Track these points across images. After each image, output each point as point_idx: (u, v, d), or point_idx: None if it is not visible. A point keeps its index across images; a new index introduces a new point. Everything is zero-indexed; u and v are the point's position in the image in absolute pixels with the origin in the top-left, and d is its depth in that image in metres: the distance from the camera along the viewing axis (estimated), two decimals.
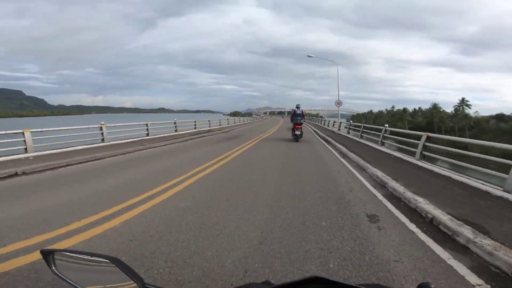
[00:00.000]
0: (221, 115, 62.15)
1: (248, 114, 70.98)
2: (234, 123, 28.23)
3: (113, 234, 2.65)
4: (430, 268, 2.16)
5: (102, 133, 9.53)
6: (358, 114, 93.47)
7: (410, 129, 37.61)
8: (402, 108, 64.38)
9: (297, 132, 12.29)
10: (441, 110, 55.06)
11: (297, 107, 12.99)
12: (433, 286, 0.59)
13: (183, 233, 2.67)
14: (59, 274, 0.69)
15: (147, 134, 12.28)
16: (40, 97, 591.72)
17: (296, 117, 12.52)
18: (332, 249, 2.41)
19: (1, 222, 2.93)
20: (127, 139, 10.86)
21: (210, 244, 2.45)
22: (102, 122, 9.68)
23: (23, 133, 7.06)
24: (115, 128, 10.93)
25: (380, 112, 74.24)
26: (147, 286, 0.62)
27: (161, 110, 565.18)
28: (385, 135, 9.90)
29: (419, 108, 63.17)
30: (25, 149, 7.07)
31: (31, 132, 7.22)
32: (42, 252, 0.71)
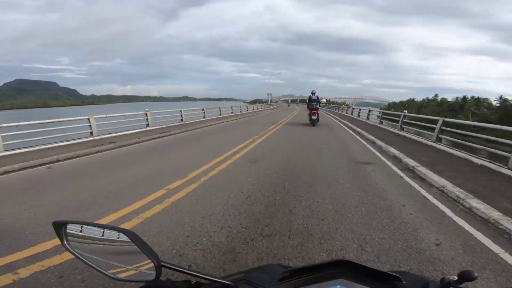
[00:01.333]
0: (242, 102, 59.39)
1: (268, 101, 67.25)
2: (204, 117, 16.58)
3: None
4: None
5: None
6: (394, 103, 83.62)
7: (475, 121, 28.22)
8: (449, 97, 53.19)
9: (313, 117, 13.67)
10: None
11: (312, 93, 14.00)
12: (476, 274, 0.57)
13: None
14: (70, 249, 0.69)
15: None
16: (73, 87, 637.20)
17: (312, 102, 13.77)
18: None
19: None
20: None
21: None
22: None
23: None
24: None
25: (427, 101, 62.56)
26: (162, 263, 0.60)
27: (185, 98, 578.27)
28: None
29: (472, 96, 51.04)
30: None
31: None
32: (54, 224, 0.69)
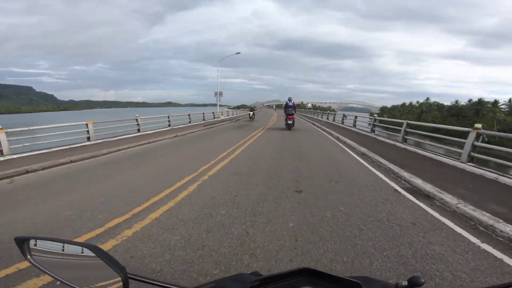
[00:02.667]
0: (225, 108, 55.84)
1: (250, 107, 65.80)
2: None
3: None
4: None
5: None
6: (387, 108, 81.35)
7: (500, 131, 20.91)
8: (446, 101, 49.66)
9: (289, 122, 15.52)
10: None
11: (289, 99, 15.99)
12: (423, 280, 0.62)
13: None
14: (34, 263, 0.69)
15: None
16: (51, 92, 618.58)
17: (288, 108, 15.76)
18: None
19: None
20: None
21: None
22: None
23: None
24: None
25: (427, 105, 58.05)
26: (129, 275, 0.62)
27: (168, 104, 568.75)
28: None
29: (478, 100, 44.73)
30: None
31: None
32: (16, 239, 0.71)
